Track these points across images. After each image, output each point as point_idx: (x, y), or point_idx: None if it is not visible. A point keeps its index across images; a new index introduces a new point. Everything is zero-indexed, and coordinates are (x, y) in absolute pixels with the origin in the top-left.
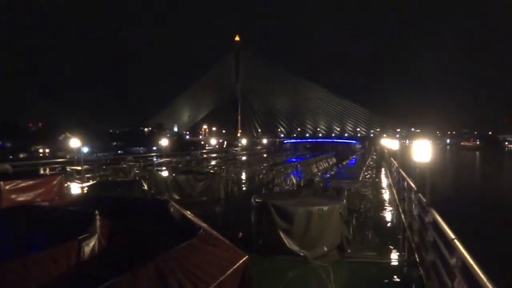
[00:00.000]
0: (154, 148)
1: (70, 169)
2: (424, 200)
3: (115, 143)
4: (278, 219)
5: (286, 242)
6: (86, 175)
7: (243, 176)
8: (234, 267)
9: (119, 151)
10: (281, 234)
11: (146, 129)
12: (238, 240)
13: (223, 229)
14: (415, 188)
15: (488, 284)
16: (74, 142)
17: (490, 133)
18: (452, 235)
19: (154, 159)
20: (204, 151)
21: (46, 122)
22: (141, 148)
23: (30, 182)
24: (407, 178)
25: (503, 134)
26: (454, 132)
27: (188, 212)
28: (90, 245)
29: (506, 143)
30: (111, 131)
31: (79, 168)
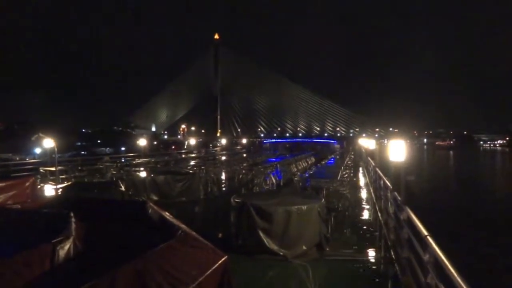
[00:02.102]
0: (123, 148)
1: (43, 170)
2: (399, 198)
3: (79, 143)
4: (258, 219)
5: (266, 242)
6: (61, 176)
7: (223, 176)
8: (214, 267)
9: (82, 152)
10: (261, 234)
11: (119, 129)
12: (217, 240)
13: (202, 230)
14: (391, 187)
15: (459, 280)
16: (47, 143)
17: (465, 132)
18: (425, 232)
19: (123, 160)
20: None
21: (11, 121)
22: (108, 148)
23: (1, 184)
24: (383, 177)
25: (478, 134)
26: (431, 132)
27: (167, 213)
28: (65, 249)
29: (481, 142)
30: (83, 130)
31: (52, 169)
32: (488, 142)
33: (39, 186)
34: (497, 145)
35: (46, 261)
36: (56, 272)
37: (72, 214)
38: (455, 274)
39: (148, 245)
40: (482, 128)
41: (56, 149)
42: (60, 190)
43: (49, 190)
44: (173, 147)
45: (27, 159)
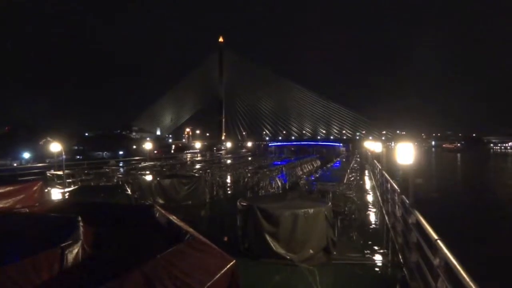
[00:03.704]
0: (121, 152)
1: (51, 174)
2: (407, 201)
3: (76, 147)
4: (264, 222)
5: (273, 246)
6: (67, 180)
7: (228, 180)
8: (222, 272)
9: (78, 156)
10: (267, 238)
11: (122, 133)
12: (224, 244)
13: (208, 233)
14: (398, 190)
15: (471, 284)
16: (55, 147)
17: (474, 135)
18: (435, 236)
19: (121, 164)
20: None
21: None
22: (105, 153)
23: (9, 188)
24: (390, 180)
25: (488, 136)
26: (439, 134)
27: (174, 217)
28: (73, 253)
29: (491, 144)
30: (86, 134)
31: (60, 173)
32: (499, 145)
33: (46, 190)
34: (508, 147)
35: (55, 265)
36: (65, 276)
37: (79, 218)
38: (467, 279)
39: (156, 249)
40: (493, 131)
41: (63, 153)
42: (67, 194)
43: (56, 194)
44: (155, 152)
45: (14, 164)
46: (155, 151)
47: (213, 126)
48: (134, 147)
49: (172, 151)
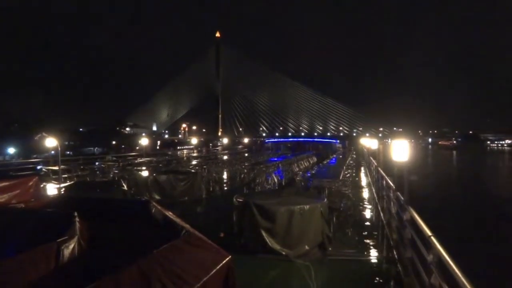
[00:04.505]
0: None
1: (46, 169)
2: (402, 198)
3: (66, 143)
4: (260, 219)
5: (268, 241)
6: (63, 176)
7: (225, 176)
8: (218, 267)
9: (68, 152)
10: (263, 233)
11: (117, 128)
12: (220, 240)
13: (205, 229)
14: (394, 187)
15: (464, 280)
16: (50, 142)
17: (470, 132)
18: (429, 232)
19: (112, 158)
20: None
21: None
22: (96, 148)
23: (5, 184)
24: (386, 177)
25: (485, 133)
26: (435, 131)
27: (170, 213)
28: (69, 248)
29: (488, 142)
30: (81, 129)
31: (55, 168)
32: (495, 142)
33: (42, 185)
34: (505, 145)
35: (51, 261)
36: (61, 272)
37: (75, 214)
38: (460, 275)
39: (152, 244)
40: (489, 128)
41: (59, 149)
42: (63, 189)
43: (52, 189)
44: (122, 146)
45: None
46: (122, 146)
47: (209, 122)
48: (114, 142)
49: (158, 147)
